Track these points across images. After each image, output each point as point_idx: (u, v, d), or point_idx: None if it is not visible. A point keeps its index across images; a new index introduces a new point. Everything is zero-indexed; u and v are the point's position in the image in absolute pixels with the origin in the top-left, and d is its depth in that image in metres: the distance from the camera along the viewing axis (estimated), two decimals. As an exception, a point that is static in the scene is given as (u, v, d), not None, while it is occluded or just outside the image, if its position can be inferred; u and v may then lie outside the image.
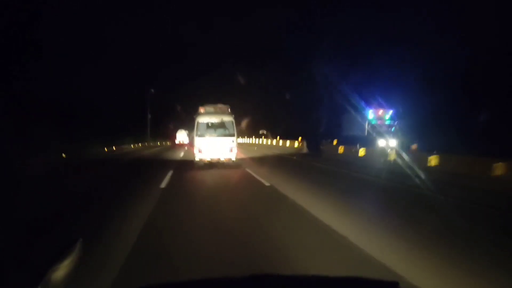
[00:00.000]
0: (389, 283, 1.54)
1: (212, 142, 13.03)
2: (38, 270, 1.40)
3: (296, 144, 30.30)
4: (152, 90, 48.25)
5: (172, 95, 66.48)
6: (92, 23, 42.32)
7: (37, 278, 1.35)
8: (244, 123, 58.43)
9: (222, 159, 13.12)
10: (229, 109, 13.77)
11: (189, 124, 19.25)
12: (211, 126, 13.26)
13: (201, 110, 13.62)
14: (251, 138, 51.26)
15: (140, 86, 48.84)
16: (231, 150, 13.06)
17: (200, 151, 12.97)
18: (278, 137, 36.30)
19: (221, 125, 13.28)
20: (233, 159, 13.24)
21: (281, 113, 46.84)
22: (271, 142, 40.23)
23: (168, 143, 54.16)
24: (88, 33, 36.93)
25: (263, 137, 46.89)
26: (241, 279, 1.38)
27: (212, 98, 62.84)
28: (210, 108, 13.69)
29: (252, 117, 55.56)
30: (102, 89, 32.71)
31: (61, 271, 1.43)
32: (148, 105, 48.04)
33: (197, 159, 13.09)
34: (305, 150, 22.74)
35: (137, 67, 61.26)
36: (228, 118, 13.34)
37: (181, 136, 47.51)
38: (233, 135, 13.17)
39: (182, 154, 22.08)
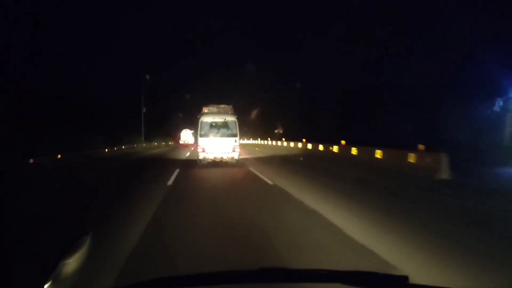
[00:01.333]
0: (398, 277, 1.54)
1: (215, 141, 13.22)
2: (48, 264, 1.41)
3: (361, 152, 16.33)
4: (148, 76, 38.47)
5: (180, 93, 64.28)
6: (101, 19, 41.11)
7: (47, 272, 1.36)
8: (254, 122, 53.10)
9: (225, 158, 13.30)
10: (232, 109, 13.95)
11: (194, 123, 15.65)
12: (214, 126, 13.47)
13: (205, 110, 13.88)
14: (266, 140, 42.20)
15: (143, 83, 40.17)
16: (233, 150, 13.26)
17: (203, 150, 13.21)
18: (340, 143, 20.68)
19: (224, 125, 13.49)
20: (236, 158, 13.46)
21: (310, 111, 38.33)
22: (294, 143, 29.66)
23: (170, 142, 49.13)
24: (94, 29, 35.57)
25: (283, 139, 35.80)
26: (249, 272, 1.38)
27: (222, 97, 60.47)
28: (213, 108, 13.95)
29: (267, 116, 49.79)
30: (93, 85, 28.01)
31: (71, 264, 1.44)
32: (142, 95, 37.82)
33: (200, 157, 13.37)
34: (445, 174, 10.47)
35: (144, 65, 58.22)
36: (231, 118, 13.51)
37: (186, 136, 43.84)
38: (235, 135, 13.37)
39: (174, 175, 10.65)
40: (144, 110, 37.80)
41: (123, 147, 28.53)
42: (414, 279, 3.09)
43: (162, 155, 23.19)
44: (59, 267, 1.40)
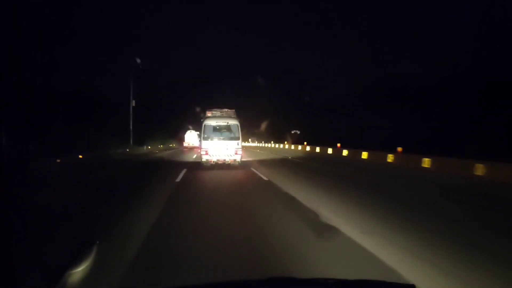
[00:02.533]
0: (405, 286, 1.53)
1: (218, 144, 13.44)
2: (54, 273, 1.41)
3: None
4: (139, 60, 30.50)
5: (184, 92, 62.33)
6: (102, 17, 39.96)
7: (54, 281, 1.36)
8: (265, 123, 47.63)
9: (227, 161, 13.49)
10: (234, 113, 14.20)
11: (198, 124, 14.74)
12: (217, 129, 13.66)
13: (208, 113, 14.17)
14: (282, 143, 36.33)
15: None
16: (236, 153, 13.50)
17: (206, 153, 13.41)
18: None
19: (227, 128, 13.72)
20: (238, 160, 13.67)
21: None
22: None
23: (172, 145, 44.89)
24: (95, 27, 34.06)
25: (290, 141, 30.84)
26: (259, 281, 1.37)
27: (231, 100, 60.25)
28: (216, 112, 14.24)
29: (280, 118, 46.55)
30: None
31: (77, 274, 1.44)
32: (132, 84, 29.83)
33: (203, 160, 13.53)
34: None
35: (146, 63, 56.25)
36: (233, 122, 13.78)
37: (191, 138, 39.51)
38: (238, 138, 13.64)
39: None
40: (133, 103, 29.47)
41: (80, 156, 16.77)
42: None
43: (134, 176, 11.86)
44: (66, 276, 1.40)
